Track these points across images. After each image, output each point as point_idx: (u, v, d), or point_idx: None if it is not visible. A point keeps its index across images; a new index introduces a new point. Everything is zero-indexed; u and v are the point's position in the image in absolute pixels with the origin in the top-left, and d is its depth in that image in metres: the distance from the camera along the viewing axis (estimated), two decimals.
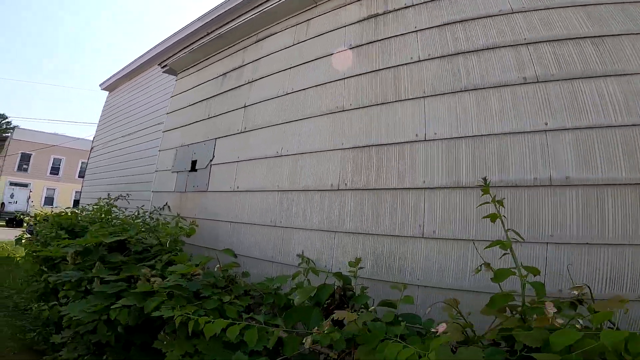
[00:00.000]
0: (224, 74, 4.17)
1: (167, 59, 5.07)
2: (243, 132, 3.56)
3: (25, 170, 28.55)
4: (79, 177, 28.61)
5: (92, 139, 13.01)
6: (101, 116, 12.21)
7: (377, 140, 2.52)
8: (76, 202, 25.80)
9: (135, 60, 10.42)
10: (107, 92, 12.56)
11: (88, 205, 5.11)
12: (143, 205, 4.66)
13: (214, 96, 4.18)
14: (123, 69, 11.06)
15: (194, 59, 4.73)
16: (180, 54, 4.75)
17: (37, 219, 6.04)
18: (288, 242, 2.87)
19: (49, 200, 27.50)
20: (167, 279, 2.13)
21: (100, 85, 12.29)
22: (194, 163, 4.08)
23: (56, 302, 2.92)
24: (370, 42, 2.82)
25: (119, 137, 10.25)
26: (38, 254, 3.30)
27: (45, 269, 3.27)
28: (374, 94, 2.65)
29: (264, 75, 3.60)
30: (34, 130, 29.16)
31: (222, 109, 3.94)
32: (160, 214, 4.12)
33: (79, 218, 4.19)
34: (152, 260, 2.69)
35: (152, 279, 2.29)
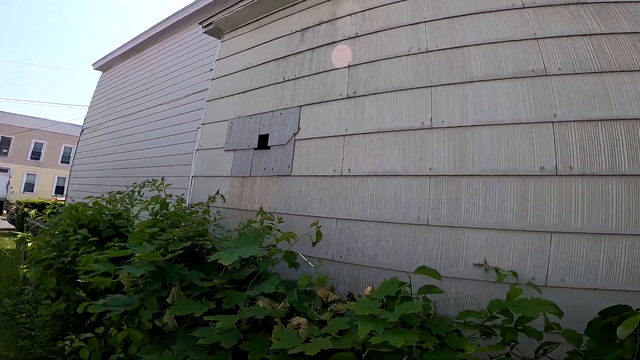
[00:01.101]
0: (303, 29, 3.18)
1: (213, 16, 3.99)
2: (351, 97, 2.58)
3: (5, 154, 25.96)
4: (62, 162, 26.41)
5: (81, 122, 11.55)
6: (93, 97, 10.89)
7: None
8: (59, 189, 23.69)
9: (139, 35, 9.24)
10: (101, 72, 11.18)
11: (80, 195, 3.94)
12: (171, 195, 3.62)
13: (288, 56, 3.18)
14: (123, 46, 9.90)
15: (252, 15, 3.69)
16: (235, 9, 3.68)
17: (23, 208, 4.79)
18: (453, 246, 1.92)
19: (29, 187, 25.31)
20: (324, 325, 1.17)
21: (93, 65, 10.98)
22: (263, 138, 3.05)
23: (91, 334, 1.83)
24: None
25: (117, 118, 8.97)
26: (63, 267, 2.21)
27: (67, 289, 2.18)
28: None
29: (378, 29, 2.64)
30: (13, 113, 26.67)
31: (306, 70, 2.98)
32: (208, 207, 3.03)
33: (104, 212, 3.05)
34: (260, 283, 1.67)
35: (295, 322, 1.31)
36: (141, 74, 9.05)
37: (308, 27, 3.19)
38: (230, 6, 3.82)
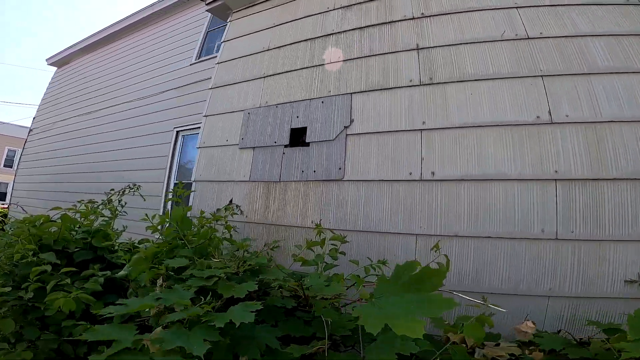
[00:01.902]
0: (343, 7, 2.62)
1: None
2: (426, 84, 2.07)
3: None
4: (5, 166, 23.35)
5: (29, 123, 10.17)
6: (46, 95, 9.56)
7: None
8: (1, 195, 20.68)
9: (104, 29, 8.30)
10: (56, 68, 9.90)
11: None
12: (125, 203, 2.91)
13: (326, 35, 2.59)
14: (83, 40, 8.90)
15: None
16: None
17: None
18: (594, 262, 1.44)
19: None
20: None
21: (47, 60, 9.72)
22: (297, 133, 2.43)
23: None
24: None
25: (76, 117, 7.84)
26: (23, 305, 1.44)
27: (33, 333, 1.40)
28: None
29: (452, 10, 2.23)
30: None
31: (355, 51, 2.44)
32: (227, 222, 2.32)
33: (76, 228, 2.24)
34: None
35: None
36: (105, 70, 8.05)
37: (350, 5, 2.63)
38: None
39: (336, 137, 2.24)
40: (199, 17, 6.94)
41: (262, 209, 2.44)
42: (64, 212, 2.29)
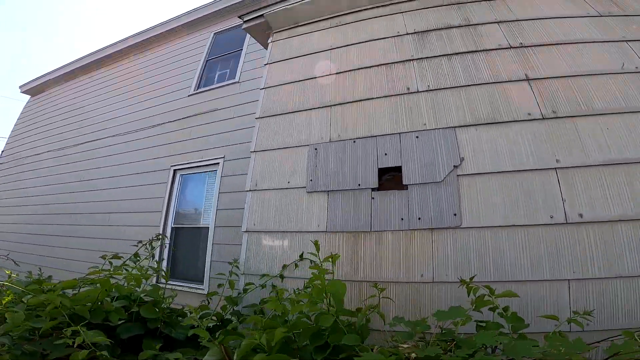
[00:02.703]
0: (420, 32, 2.47)
1: (262, 8, 3.08)
2: (549, 118, 1.90)
3: None
4: None
5: None
6: (16, 126, 8.64)
7: None
8: None
9: (89, 54, 7.76)
10: (29, 97, 9.11)
11: None
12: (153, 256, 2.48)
13: (404, 61, 2.40)
14: (65, 66, 8.24)
15: (324, 11, 2.88)
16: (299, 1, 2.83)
17: None
18: None
19: None
20: None
21: (20, 88, 8.86)
22: (386, 173, 2.10)
23: None
24: None
25: (50, 151, 7.09)
26: None
27: None
28: None
29: (556, 42, 2.09)
30: None
31: (448, 80, 2.24)
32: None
33: (111, 293, 1.78)
34: None
35: None
36: (87, 100, 7.47)
37: (427, 31, 2.44)
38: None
39: (444, 178, 1.95)
40: (197, 45, 6.62)
41: (348, 264, 2.06)
42: (106, 277, 1.81)
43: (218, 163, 5.42)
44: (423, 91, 2.21)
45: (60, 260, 6.39)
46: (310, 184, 2.30)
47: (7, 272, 2.18)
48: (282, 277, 2.19)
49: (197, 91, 6.20)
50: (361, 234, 2.07)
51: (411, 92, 2.25)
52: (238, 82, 5.80)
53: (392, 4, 2.70)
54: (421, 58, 2.35)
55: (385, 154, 2.15)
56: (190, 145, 5.84)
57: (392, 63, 2.42)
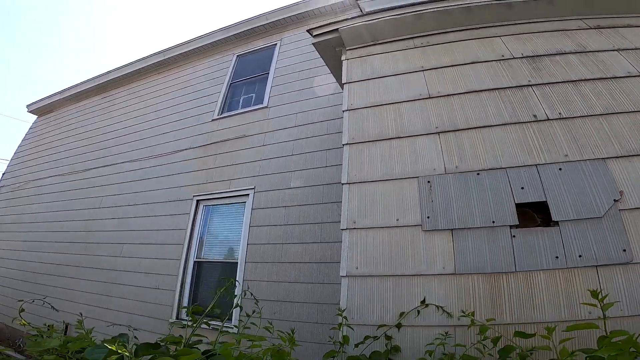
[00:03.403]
0: (528, 56, 2.40)
1: (335, 22, 2.95)
2: None
3: None
4: None
5: None
6: (20, 147, 8.16)
7: None
8: None
9: (102, 74, 7.43)
10: (36, 117, 8.68)
11: None
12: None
13: (514, 87, 2.27)
14: (77, 85, 7.90)
15: (406, 30, 2.76)
16: (385, 17, 2.70)
17: None
18: None
19: None
20: None
21: (28, 107, 8.45)
22: (526, 208, 1.88)
23: None
24: None
25: (58, 175, 6.67)
26: None
27: None
28: None
29: None
30: None
31: (579, 108, 2.10)
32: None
33: None
34: None
35: None
36: (101, 122, 7.14)
37: (539, 55, 2.32)
38: (372, 13, 2.80)
39: (605, 213, 1.74)
40: (220, 67, 6.42)
41: (488, 307, 1.79)
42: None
43: (247, 194, 5.09)
44: (555, 119, 2.04)
45: (64, 291, 5.89)
46: (427, 222, 2.04)
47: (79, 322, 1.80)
48: (399, 326, 1.91)
49: (221, 116, 5.94)
50: (502, 274, 1.81)
51: (539, 120, 2.07)
52: (267, 107, 5.58)
53: (487, 27, 2.57)
54: (541, 84, 2.19)
55: (522, 188, 1.93)
56: (215, 174, 5.52)
57: (506, 88, 2.25)
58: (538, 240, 1.80)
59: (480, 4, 2.51)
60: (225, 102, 6.08)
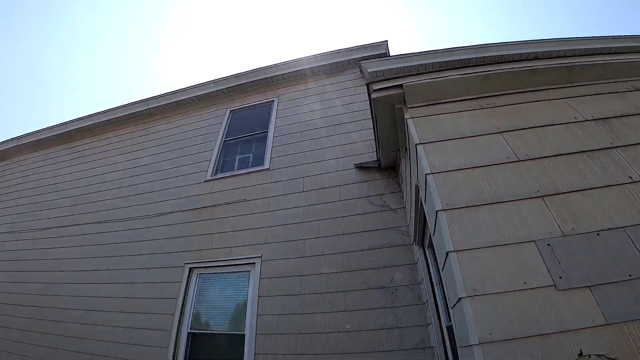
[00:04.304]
0: (602, 118, 2.56)
1: (398, 77, 3.00)
2: None
3: None
4: None
5: None
6: None
7: None
8: None
9: (71, 121, 6.81)
10: None
11: None
12: None
13: (593, 150, 2.43)
14: (40, 132, 7.11)
15: (470, 90, 2.90)
16: (454, 75, 2.84)
17: None
18: None
19: None
20: None
21: None
22: None
23: None
24: None
25: (9, 232, 5.79)
26: None
27: None
28: None
29: None
30: None
31: None
32: None
33: None
34: None
35: None
36: (68, 174, 6.32)
37: (607, 118, 2.55)
38: (439, 70, 2.92)
39: None
40: (211, 122, 6.15)
41: None
42: None
43: (254, 263, 4.71)
44: None
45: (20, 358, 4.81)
46: (560, 282, 1.98)
47: None
48: None
49: (215, 177, 5.58)
50: None
51: (636, 181, 2.22)
52: (268, 170, 5.37)
53: (551, 89, 2.79)
54: (623, 146, 2.38)
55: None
56: (211, 241, 5.06)
57: (593, 150, 2.40)
58: None
59: (546, 66, 2.75)
60: (218, 161, 5.76)
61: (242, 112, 6.19)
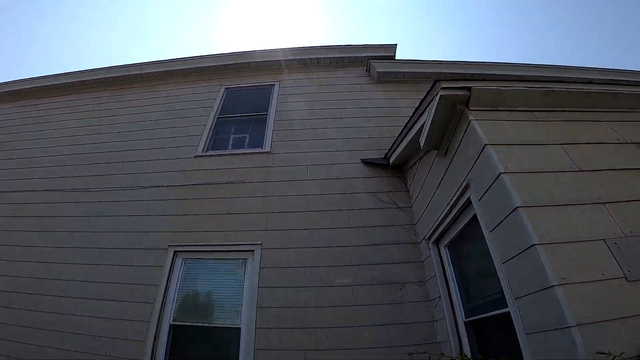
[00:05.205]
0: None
1: (468, 80, 3.17)
2: None
3: None
4: None
5: None
6: None
7: None
8: None
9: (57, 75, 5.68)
10: None
11: None
12: None
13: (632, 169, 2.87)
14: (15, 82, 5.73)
15: (524, 102, 3.21)
16: (523, 88, 3.12)
17: None
18: None
19: None
20: None
21: None
22: None
23: None
24: None
25: None
26: None
27: None
28: None
29: None
30: None
31: None
32: None
33: None
34: None
35: None
36: (36, 131, 5.29)
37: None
38: (497, 80, 3.17)
39: None
40: (204, 97, 5.68)
41: None
42: None
43: (252, 250, 4.46)
44: None
45: None
46: (629, 274, 2.32)
47: None
48: None
49: (207, 153, 5.18)
50: None
51: None
52: (269, 153, 5.16)
53: (595, 111, 3.21)
54: None
55: None
56: (201, 223, 4.67)
57: (635, 169, 2.83)
58: None
59: (599, 91, 3.14)
60: (210, 137, 5.34)
61: (237, 91, 5.87)
